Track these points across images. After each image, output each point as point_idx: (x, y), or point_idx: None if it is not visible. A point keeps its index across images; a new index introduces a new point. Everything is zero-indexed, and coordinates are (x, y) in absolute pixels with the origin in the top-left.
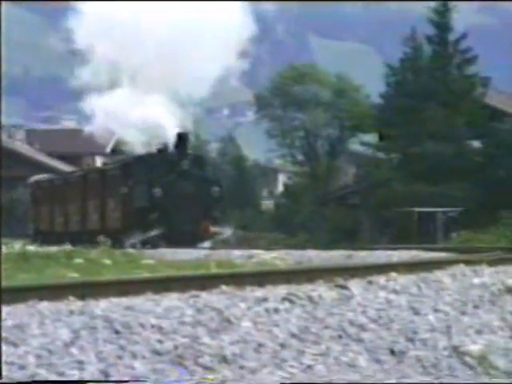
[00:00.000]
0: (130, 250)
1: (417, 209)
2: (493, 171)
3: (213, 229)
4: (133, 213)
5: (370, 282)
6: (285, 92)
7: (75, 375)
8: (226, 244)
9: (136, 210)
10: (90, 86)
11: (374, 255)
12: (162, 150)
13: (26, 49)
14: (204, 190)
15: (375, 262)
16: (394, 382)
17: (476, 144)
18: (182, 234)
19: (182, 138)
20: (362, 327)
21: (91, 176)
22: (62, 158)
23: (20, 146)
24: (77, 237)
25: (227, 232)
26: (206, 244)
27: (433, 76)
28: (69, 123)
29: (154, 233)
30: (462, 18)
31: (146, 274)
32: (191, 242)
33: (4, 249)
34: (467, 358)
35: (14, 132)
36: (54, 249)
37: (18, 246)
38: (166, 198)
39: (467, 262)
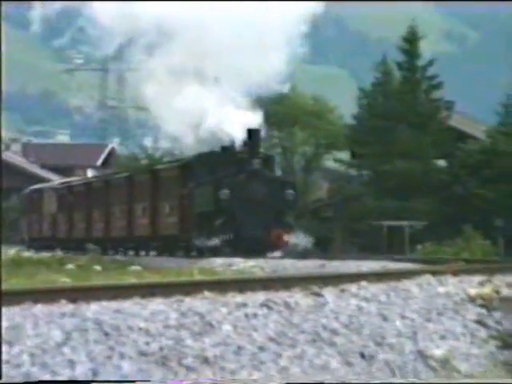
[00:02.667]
0: (118, 257)
1: (386, 222)
2: (456, 189)
3: (286, 237)
4: (194, 217)
5: (343, 290)
6: (265, 111)
7: (66, 374)
8: (300, 254)
9: (198, 215)
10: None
11: (345, 265)
12: (228, 148)
13: (23, 68)
14: (277, 193)
15: (347, 272)
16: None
17: (441, 163)
18: (250, 241)
19: (252, 134)
20: (335, 332)
21: (139, 178)
22: (54, 169)
23: (15, 157)
24: (123, 243)
25: (302, 241)
26: (277, 253)
27: (402, 99)
28: (62, 137)
29: (219, 239)
30: (429, 45)
31: (133, 280)
32: (260, 250)
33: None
34: (431, 362)
35: (10, 145)
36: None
37: (12, 251)
38: (234, 201)
39: (433, 273)
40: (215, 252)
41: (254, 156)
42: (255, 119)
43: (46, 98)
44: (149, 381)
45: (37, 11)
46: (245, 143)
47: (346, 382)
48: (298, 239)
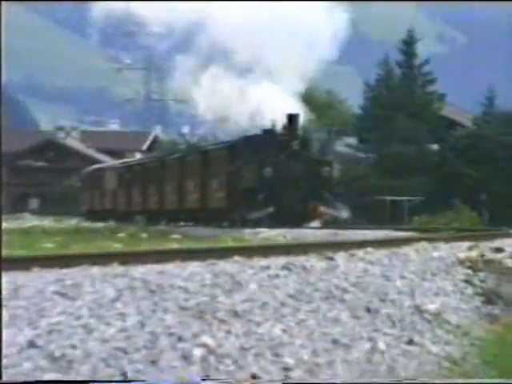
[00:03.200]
0: (161, 227)
1: (388, 197)
2: (447, 168)
3: (321, 209)
4: (240, 192)
5: (352, 255)
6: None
7: (119, 325)
8: (336, 224)
9: (243, 190)
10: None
11: (354, 234)
12: (270, 131)
13: (81, 67)
14: (314, 171)
15: (355, 239)
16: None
17: (434, 147)
18: (290, 213)
19: (292, 119)
20: (345, 290)
21: (191, 158)
22: (107, 153)
23: (74, 143)
24: (175, 215)
25: (341, 212)
26: (314, 224)
27: (401, 92)
28: (114, 126)
29: (263, 212)
30: (424, 47)
31: (174, 246)
32: (299, 221)
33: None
34: (426, 315)
35: (70, 132)
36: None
37: (73, 222)
38: (276, 178)
39: (428, 240)
40: (258, 223)
41: (293, 138)
42: (292, 106)
43: (99, 92)
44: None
45: (92, 18)
46: (285, 127)
47: (346, 381)
48: (337, 211)
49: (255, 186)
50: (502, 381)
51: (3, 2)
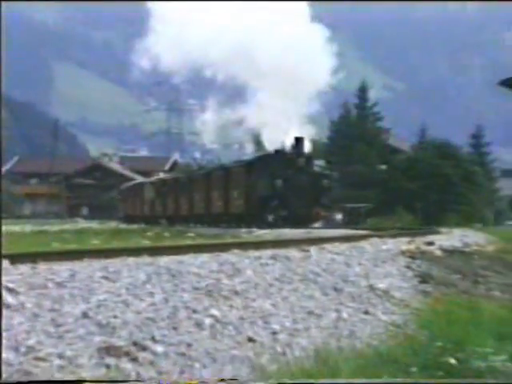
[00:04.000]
0: (179, 227)
1: (348, 205)
2: (392, 183)
3: (323, 213)
4: (256, 200)
5: (322, 248)
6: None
7: (149, 300)
8: (333, 225)
9: (259, 198)
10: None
11: (323, 232)
12: (280, 151)
13: (120, 109)
14: (316, 182)
15: (325, 236)
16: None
17: (383, 167)
18: (297, 216)
19: (298, 141)
20: (317, 274)
21: (215, 173)
22: (139, 172)
23: (115, 165)
24: (201, 219)
25: (337, 216)
26: (317, 225)
27: (357, 127)
28: (144, 152)
29: (275, 215)
30: (373, 93)
31: (189, 242)
32: (306, 223)
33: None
34: (377, 292)
35: (112, 157)
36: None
37: (113, 224)
38: (285, 188)
39: (378, 236)
40: (271, 225)
41: (299, 156)
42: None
43: (133, 128)
44: (148, 381)
45: (129, 72)
46: (292, 147)
47: (347, 381)
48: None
49: (268, 195)
50: (502, 381)
51: (3, 2)
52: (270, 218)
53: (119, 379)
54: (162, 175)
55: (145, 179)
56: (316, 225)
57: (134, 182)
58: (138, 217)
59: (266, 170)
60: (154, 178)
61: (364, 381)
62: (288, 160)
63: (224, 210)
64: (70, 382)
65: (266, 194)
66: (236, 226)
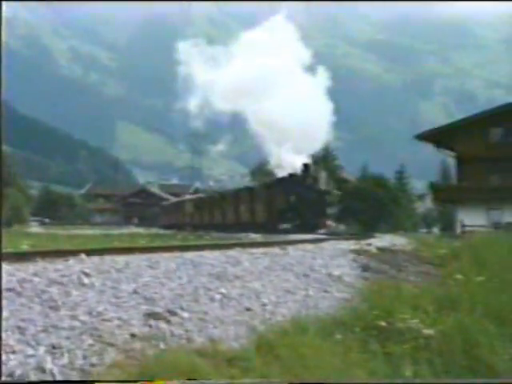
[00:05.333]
0: (199, 232)
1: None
2: (344, 203)
3: (328, 222)
4: (274, 212)
5: (297, 247)
6: None
7: (178, 281)
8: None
9: (277, 211)
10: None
11: (298, 237)
12: (293, 174)
13: (162, 152)
14: (320, 198)
15: (298, 239)
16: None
17: (338, 192)
18: (308, 225)
19: (306, 166)
20: (292, 265)
21: (242, 192)
22: (172, 194)
23: (154, 190)
24: (232, 227)
25: (339, 225)
26: (323, 231)
27: (324, 163)
28: (175, 181)
29: (289, 224)
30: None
31: (206, 242)
32: (313, 230)
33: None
34: (333, 277)
35: (153, 184)
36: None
37: (157, 230)
38: (298, 202)
39: (335, 239)
40: (286, 231)
41: (307, 177)
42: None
43: (168, 164)
44: (149, 381)
45: (170, 126)
46: (302, 171)
47: (348, 381)
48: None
49: (284, 208)
50: (503, 381)
51: (3, 2)
52: (285, 225)
53: (128, 380)
54: (187, 196)
55: (180, 198)
56: (322, 231)
57: (174, 200)
58: (175, 225)
59: (282, 188)
60: (193, 196)
61: (364, 381)
62: (298, 181)
63: (251, 220)
64: (81, 382)
65: (282, 207)
66: (260, 233)
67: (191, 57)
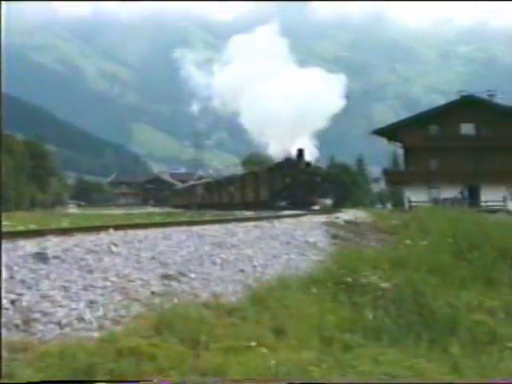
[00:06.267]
0: (202, 211)
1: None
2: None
3: (318, 200)
4: (274, 192)
5: (281, 221)
6: None
7: (188, 249)
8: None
9: (276, 191)
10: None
11: (282, 213)
12: (289, 159)
13: (171, 149)
14: (312, 179)
15: (283, 215)
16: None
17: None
18: (300, 202)
19: (300, 151)
20: (278, 235)
21: (248, 175)
22: (180, 181)
23: (167, 177)
24: (238, 205)
25: (327, 202)
26: (315, 207)
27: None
28: (182, 170)
29: (286, 202)
30: None
31: (208, 218)
32: (306, 206)
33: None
34: (310, 244)
35: (164, 173)
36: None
37: (168, 209)
38: (292, 183)
39: (311, 215)
40: (284, 208)
41: (300, 162)
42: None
43: (176, 157)
44: (149, 380)
45: (177, 127)
46: (297, 156)
47: (348, 382)
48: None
49: (281, 188)
50: (503, 381)
51: (3, 2)
52: (283, 203)
53: (127, 379)
54: (192, 182)
55: (188, 183)
56: (315, 208)
57: (186, 184)
58: (185, 205)
59: (280, 171)
60: (203, 181)
61: (364, 381)
62: (293, 164)
63: (255, 200)
64: (82, 382)
65: (280, 188)
66: (262, 210)
67: (192, 71)
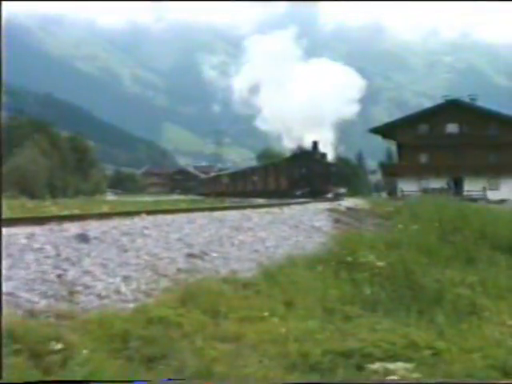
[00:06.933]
0: (222, 198)
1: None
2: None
3: (332, 188)
4: (292, 181)
5: (290, 208)
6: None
7: (204, 234)
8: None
9: (294, 180)
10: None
11: (289, 200)
12: (305, 151)
13: (193, 146)
14: (327, 169)
15: (291, 202)
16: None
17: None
18: (316, 191)
19: (315, 143)
20: (286, 220)
21: (269, 167)
22: (203, 173)
23: (191, 169)
24: (260, 194)
25: (341, 190)
26: (330, 195)
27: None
28: (204, 163)
29: (303, 190)
30: None
31: (227, 205)
32: (322, 194)
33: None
34: (315, 227)
35: (189, 166)
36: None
37: (190, 197)
38: (308, 173)
39: (316, 202)
40: (301, 196)
41: (315, 153)
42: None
43: (200, 152)
44: (150, 381)
45: (202, 127)
46: (312, 147)
47: (349, 381)
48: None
49: (298, 177)
50: (503, 381)
51: (3, 2)
52: (300, 192)
53: (124, 379)
54: (213, 174)
55: (211, 174)
56: (329, 196)
57: (211, 175)
58: (206, 194)
59: (297, 162)
60: (228, 171)
61: (364, 381)
62: (309, 155)
63: (276, 188)
64: (77, 382)
65: (297, 177)
66: (281, 198)
67: (213, 76)
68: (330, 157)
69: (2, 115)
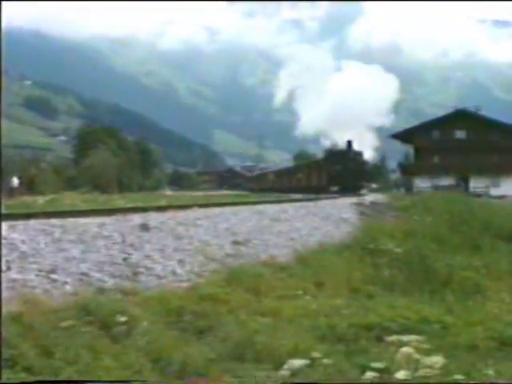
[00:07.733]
0: (264, 193)
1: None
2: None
3: (366, 184)
4: (328, 178)
5: (321, 202)
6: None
7: (250, 223)
8: (373, 191)
9: (330, 177)
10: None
11: (319, 196)
12: (341, 149)
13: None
14: (361, 166)
15: (321, 197)
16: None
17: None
18: (351, 187)
19: (349, 143)
20: (317, 212)
21: (310, 164)
22: (248, 171)
23: (238, 169)
24: (295, 190)
25: (373, 185)
26: (363, 191)
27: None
28: (249, 163)
29: (338, 186)
30: None
31: (266, 199)
32: (356, 191)
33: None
34: (343, 219)
35: (234, 167)
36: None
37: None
38: (343, 170)
39: (343, 197)
40: (336, 193)
41: (350, 151)
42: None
43: (247, 154)
44: (148, 380)
45: (247, 131)
46: (346, 146)
47: (348, 382)
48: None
49: (334, 174)
50: (503, 381)
51: (3, 2)
52: (335, 188)
53: (124, 379)
54: (257, 172)
55: (257, 172)
56: (363, 191)
57: (255, 173)
58: (256, 189)
59: (332, 160)
60: (273, 169)
61: (364, 381)
62: (344, 154)
63: (318, 184)
64: (79, 381)
65: (333, 174)
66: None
67: (256, 88)
68: (367, 155)
69: (77, 122)
